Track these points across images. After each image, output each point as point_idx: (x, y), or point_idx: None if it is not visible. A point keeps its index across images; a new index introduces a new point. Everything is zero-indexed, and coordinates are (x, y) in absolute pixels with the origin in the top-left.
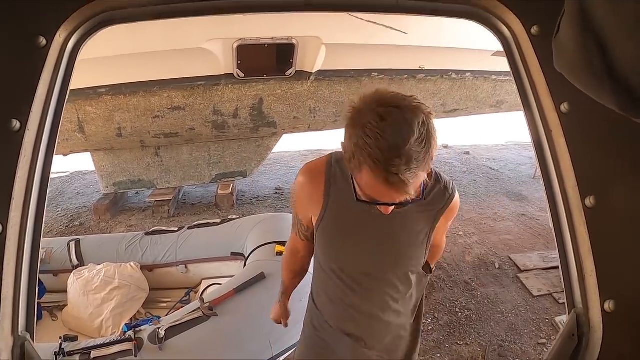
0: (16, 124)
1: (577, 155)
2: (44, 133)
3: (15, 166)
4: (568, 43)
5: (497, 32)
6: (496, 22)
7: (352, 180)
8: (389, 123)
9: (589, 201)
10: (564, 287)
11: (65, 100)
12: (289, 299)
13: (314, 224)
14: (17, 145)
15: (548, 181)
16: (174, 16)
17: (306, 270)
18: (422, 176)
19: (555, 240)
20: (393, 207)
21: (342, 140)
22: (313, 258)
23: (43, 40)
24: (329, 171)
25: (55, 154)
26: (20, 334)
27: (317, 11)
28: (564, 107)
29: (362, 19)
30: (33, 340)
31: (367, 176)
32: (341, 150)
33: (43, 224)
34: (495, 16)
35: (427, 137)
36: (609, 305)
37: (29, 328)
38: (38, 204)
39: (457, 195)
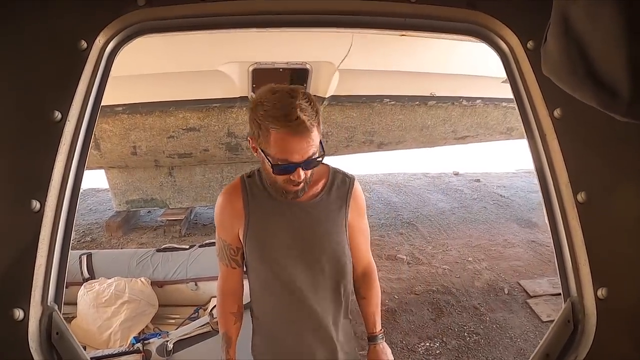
0: (58, 115)
1: (569, 155)
2: (82, 125)
3: (55, 152)
4: (553, 49)
5: (496, 47)
6: (495, 38)
7: (264, 181)
8: (278, 94)
9: (581, 197)
10: (559, 277)
11: (102, 97)
12: (235, 351)
13: (242, 239)
14: (58, 134)
15: (543, 180)
16: (206, 29)
17: (242, 311)
18: (317, 132)
19: (550, 234)
20: (304, 174)
21: (249, 132)
22: (249, 278)
23: (84, 44)
24: (244, 186)
25: None
26: (49, 304)
27: (324, 27)
28: (557, 112)
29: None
30: (60, 311)
31: (274, 136)
32: (249, 171)
33: (77, 206)
34: (494, 33)
35: (311, 99)
36: (601, 292)
37: (58, 300)
38: (73, 187)
39: (357, 183)
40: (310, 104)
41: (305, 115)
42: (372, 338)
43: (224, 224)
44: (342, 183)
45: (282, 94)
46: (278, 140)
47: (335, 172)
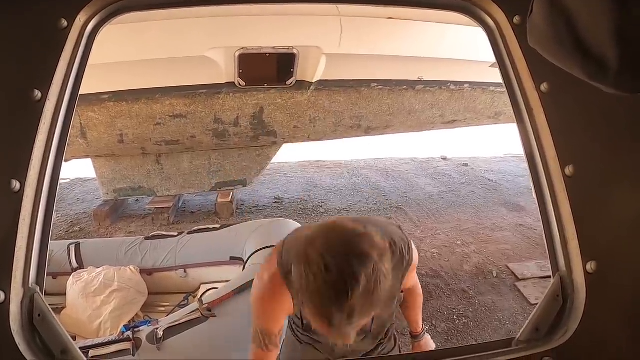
0: (38, 94)
1: (556, 129)
2: (63, 104)
3: (35, 131)
4: (539, 20)
5: (483, 23)
6: (481, 13)
7: None
8: (333, 274)
9: (569, 170)
10: (547, 253)
11: (83, 77)
12: None
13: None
14: (38, 113)
15: (530, 154)
16: (188, 5)
17: None
18: (366, 321)
19: (538, 209)
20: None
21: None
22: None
23: (64, 23)
24: (289, 283)
25: None
26: (30, 286)
27: (306, 2)
28: (544, 87)
29: None
30: (42, 293)
31: (311, 318)
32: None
33: (58, 187)
34: (480, 8)
35: (374, 288)
36: (590, 266)
37: (39, 282)
38: (54, 167)
39: (415, 252)
40: (368, 297)
41: (348, 326)
42: (416, 336)
43: (271, 315)
44: (399, 262)
45: (337, 279)
46: (313, 323)
47: (392, 248)
